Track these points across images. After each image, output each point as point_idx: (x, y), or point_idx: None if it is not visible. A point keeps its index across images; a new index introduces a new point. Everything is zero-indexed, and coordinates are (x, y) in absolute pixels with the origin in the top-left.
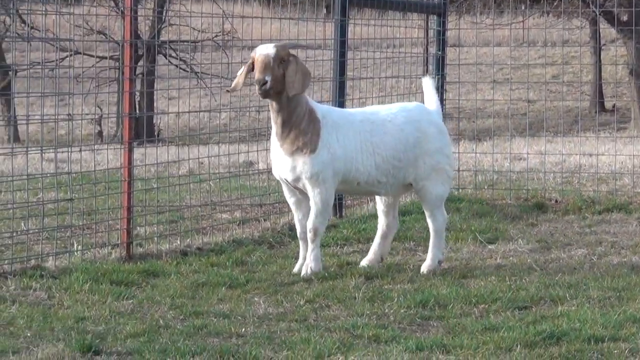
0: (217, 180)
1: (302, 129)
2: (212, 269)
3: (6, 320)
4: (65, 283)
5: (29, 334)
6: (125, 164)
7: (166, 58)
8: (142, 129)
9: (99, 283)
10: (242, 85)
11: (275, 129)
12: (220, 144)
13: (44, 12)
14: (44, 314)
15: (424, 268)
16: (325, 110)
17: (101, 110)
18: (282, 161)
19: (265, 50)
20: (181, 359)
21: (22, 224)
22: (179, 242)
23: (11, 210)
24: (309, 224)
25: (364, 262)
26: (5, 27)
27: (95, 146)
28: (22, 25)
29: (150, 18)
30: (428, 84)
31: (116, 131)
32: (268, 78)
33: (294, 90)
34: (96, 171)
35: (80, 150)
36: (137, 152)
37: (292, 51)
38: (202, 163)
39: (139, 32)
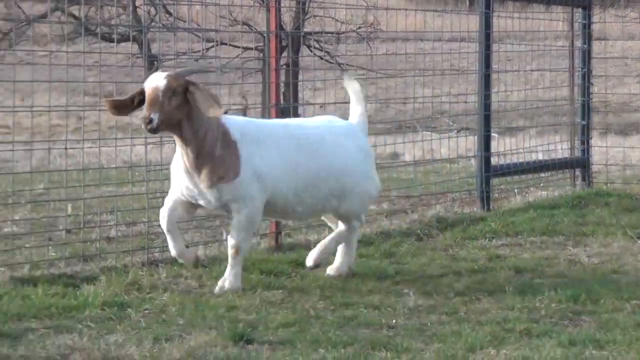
0: None
1: (218, 157)
2: (361, 260)
3: (158, 308)
4: (215, 272)
5: (181, 322)
6: None
7: (310, 49)
8: None
9: (248, 272)
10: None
11: (186, 161)
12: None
13: (189, 3)
14: (195, 302)
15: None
16: (241, 125)
17: (246, 100)
18: (200, 192)
19: (153, 83)
20: (333, 349)
21: None
22: (327, 232)
23: (160, 199)
24: (231, 241)
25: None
26: (150, 17)
27: None
28: (167, 16)
29: (294, 9)
30: (352, 86)
31: None
32: (155, 116)
33: (217, 112)
34: None
35: None
36: None
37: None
38: None
39: (282, 23)
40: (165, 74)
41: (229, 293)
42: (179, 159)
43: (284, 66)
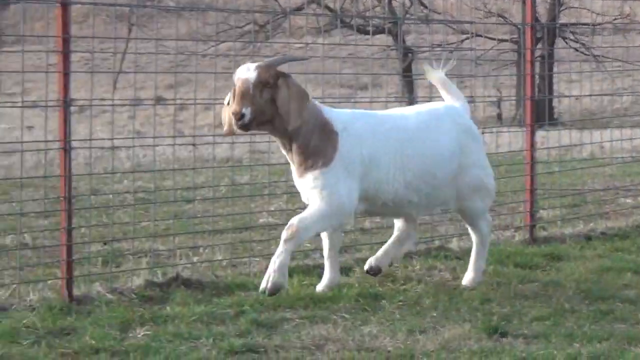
0: (619, 164)
1: (311, 146)
2: (617, 254)
3: (413, 300)
4: (467, 264)
5: (434, 314)
6: (527, 146)
7: (565, 41)
8: (542, 112)
9: (503, 265)
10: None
11: (285, 153)
12: (621, 128)
13: None
14: (449, 294)
15: (468, 283)
16: (347, 119)
17: (500, 92)
18: (298, 185)
19: (243, 74)
20: (587, 344)
21: None
22: (582, 226)
23: None
24: (293, 219)
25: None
26: (405, 9)
27: (495, 129)
28: (422, 8)
29: (549, 1)
30: (437, 76)
31: (515, 114)
32: (246, 110)
33: (291, 125)
34: (497, 154)
35: (483, 132)
36: (537, 135)
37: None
38: (602, 147)
39: (537, 15)
40: (255, 64)
41: (275, 288)
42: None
43: (539, 58)
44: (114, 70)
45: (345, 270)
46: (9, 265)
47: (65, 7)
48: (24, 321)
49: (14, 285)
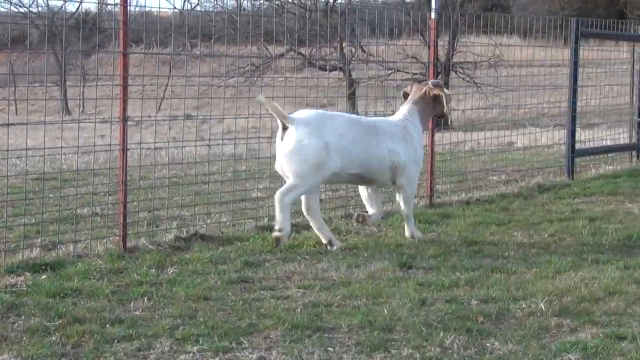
0: (489, 154)
1: None
2: (486, 213)
3: (350, 245)
4: (390, 222)
5: (365, 254)
6: (429, 143)
7: (456, 73)
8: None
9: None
10: None
11: None
12: (492, 130)
13: (376, 44)
14: (375, 242)
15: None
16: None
17: None
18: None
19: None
20: (465, 272)
21: None
22: (464, 195)
23: None
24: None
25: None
26: (351, 54)
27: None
28: (363, 52)
29: (446, 47)
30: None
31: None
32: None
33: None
34: None
35: None
36: (437, 135)
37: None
38: (479, 143)
39: (437, 56)
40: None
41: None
42: None
43: None
44: (157, 97)
45: (307, 227)
46: (85, 227)
47: (125, 56)
48: (94, 264)
49: (87, 240)
